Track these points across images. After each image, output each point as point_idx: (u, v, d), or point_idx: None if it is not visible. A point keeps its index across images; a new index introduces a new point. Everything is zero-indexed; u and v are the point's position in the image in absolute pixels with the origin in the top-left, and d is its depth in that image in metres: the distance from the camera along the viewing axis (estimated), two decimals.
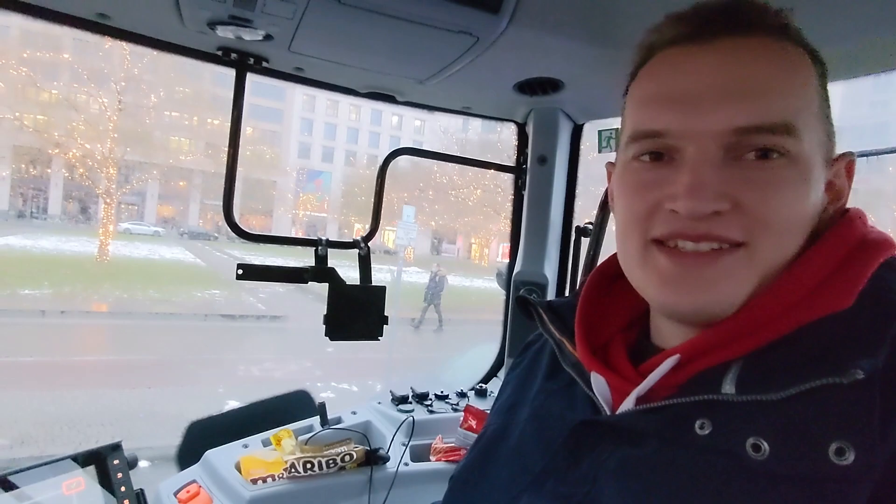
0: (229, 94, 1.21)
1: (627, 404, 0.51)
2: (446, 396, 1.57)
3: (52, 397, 6.37)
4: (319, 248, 1.28)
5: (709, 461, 0.44)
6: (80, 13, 1.00)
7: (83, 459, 0.99)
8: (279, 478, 1.20)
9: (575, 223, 1.59)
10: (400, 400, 1.50)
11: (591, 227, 1.53)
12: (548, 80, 1.22)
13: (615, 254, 0.60)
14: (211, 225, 35.67)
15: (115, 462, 1.03)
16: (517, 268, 1.57)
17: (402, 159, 1.46)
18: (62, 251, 19.05)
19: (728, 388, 0.45)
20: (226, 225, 1.27)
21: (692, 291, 0.48)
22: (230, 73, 1.20)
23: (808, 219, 0.49)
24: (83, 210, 34.47)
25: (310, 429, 1.36)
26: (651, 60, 0.54)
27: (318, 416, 1.37)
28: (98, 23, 1.03)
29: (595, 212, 1.45)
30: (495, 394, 1.63)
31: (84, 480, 0.97)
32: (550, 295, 1.57)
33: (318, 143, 41.81)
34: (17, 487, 0.90)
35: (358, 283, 1.32)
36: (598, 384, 0.54)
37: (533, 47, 1.06)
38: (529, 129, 1.55)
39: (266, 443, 1.32)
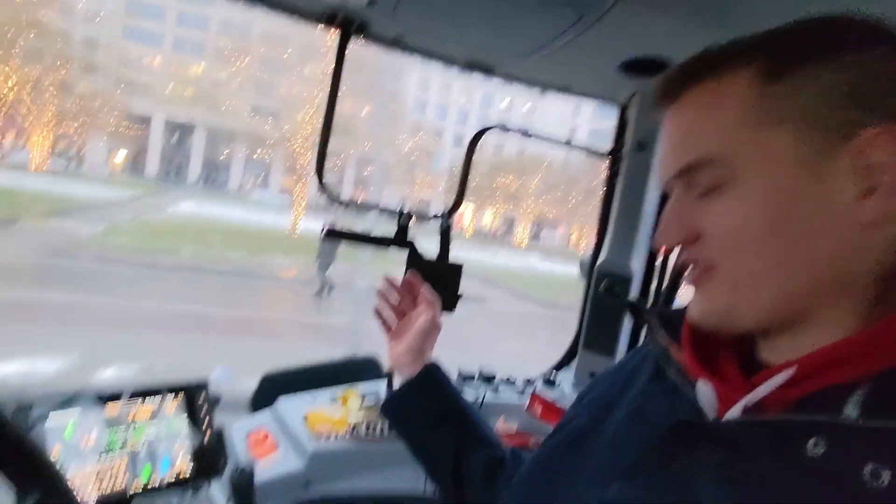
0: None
1: (734, 413, 0.49)
2: (513, 381, 1.55)
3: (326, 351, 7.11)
4: (402, 218, 1.29)
5: (819, 481, 0.43)
6: None
7: (175, 390, 1.08)
8: (342, 436, 1.25)
9: None
10: (466, 378, 1.50)
11: None
12: (654, 60, 1.13)
13: None
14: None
15: (201, 398, 1.12)
16: (602, 257, 1.51)
17: (518, 143, 1.43)
18: (257, 222, 20.80)
19: (851, 410, 0.43)
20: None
21: (691, 308, 0.55)
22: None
23: (803, 220, 0.47)
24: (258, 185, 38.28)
25: (376, 394, 1.39)
26: None
27: (386, 382, 1.40)
28: None
29: None
30: (563, 385, 1.61)
31: (178, 406, 1.06)
32: (634, 290, 1.49)
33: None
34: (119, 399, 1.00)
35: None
36: (704, 391, 0.52)
37: (641, 24, 0.99)
38: (631, 113, 1.46)
39: (334, 401, 1.38)
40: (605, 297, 1.47)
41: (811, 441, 0.43)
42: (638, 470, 0.54)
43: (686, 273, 0.55)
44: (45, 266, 9.92)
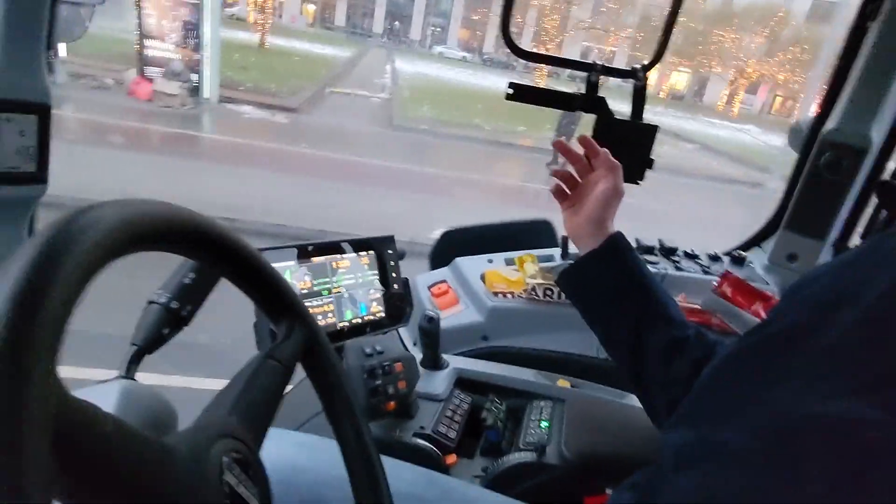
0: None
1: None
2: (696, 256, 1.45)
3: None
4: (592, 74, 1.17)
5: None
6: None
7: (365, 245, 1.16)
8: (518, 296, 1.28)
9: None
10: (645, 250, 1.43)
11: None
12: None
13: None
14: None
15: (389, 252, 1.20)
16: (831, 123, 1.25)
17: None
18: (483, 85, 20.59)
19: None
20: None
21: None
22: None
23: None
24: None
25: (550, 258, 1.39)
26: None
27: (560, 248, 1.39)
28: None
29: None
30: (754, 265, 1.46)
31: (370, 259, 1.15)
32: (866, 167, 1.25)
33: None
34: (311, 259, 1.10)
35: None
36: None
37: None
38: None
39: (509, 262, 1.40)
40: (827, 173, 1.25)
41: None
42: (880, 388, 0.45)
43: None
44: (399, 138, 10.23)
